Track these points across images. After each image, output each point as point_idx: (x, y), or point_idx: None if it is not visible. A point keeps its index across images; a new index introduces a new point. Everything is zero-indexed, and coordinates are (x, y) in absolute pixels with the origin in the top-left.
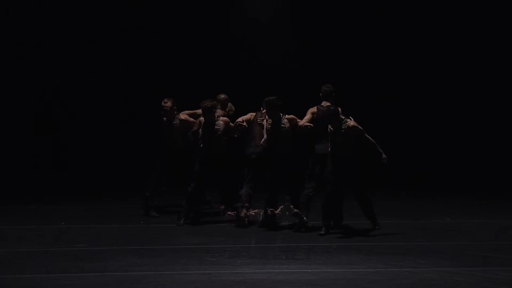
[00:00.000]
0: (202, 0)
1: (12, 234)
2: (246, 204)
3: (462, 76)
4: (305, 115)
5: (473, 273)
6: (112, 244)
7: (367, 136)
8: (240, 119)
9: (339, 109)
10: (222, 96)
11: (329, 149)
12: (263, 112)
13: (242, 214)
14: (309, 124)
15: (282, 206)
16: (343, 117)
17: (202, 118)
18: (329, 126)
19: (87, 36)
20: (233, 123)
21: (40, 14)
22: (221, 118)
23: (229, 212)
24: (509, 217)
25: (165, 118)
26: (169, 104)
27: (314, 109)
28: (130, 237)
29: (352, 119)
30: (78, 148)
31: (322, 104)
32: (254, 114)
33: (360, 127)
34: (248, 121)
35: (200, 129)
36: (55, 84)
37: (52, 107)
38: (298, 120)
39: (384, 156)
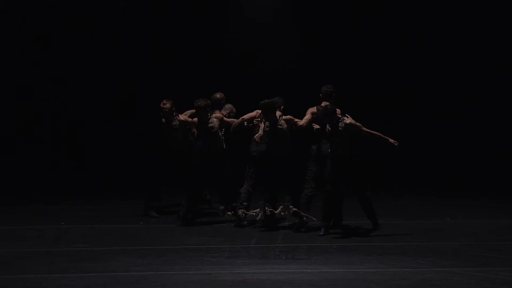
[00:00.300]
0: (201, 1)
1: (12, 234)
2: (245, 203)
3: (463, 76)
4: (304, 115)
5: (473, 273)
6: (112, 244)
7: (366, 129)
8: (245, 116)
9: (338, 110)
10: (218, 95)
11: (329, 149)
12: None
13: (240, 213)
14: (316, 125)
15: (282, 206)
16: (340, 116)
17: (195, 119)
18: (327, 126)
19: (88, 36)
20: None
21: (41, 13)
22: (214, 115)
23: (228, 212)
24: (510, 217)
25: (164, 120)
26: (168, 105)
27: (314, 109)
28: (130, 237)
29: (349, 117)
30: (78, 148)
31: (322, 104)
32: (260, 111)
33: (357, 123)
34: (253, 118)
35: (195, 129)
36: (56, 84)
37: (52, 108)
38: (297, 120)
39: (391, 140)
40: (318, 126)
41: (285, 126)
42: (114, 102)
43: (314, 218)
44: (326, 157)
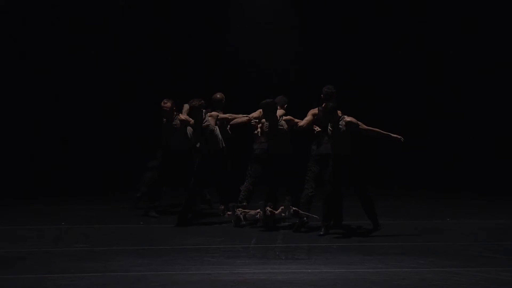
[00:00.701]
0: (202, 1)
1: (12, 234)
2: (244, 203)
3: (463, 76)
4: (305, 116)
5: (473, 273)
6: (112, 244)
7: (366, 126)
8: (250, 115)
9: (339, 111)
10: (219, 95)
11: (329, 149)
12: None
13: (238, 213)
14: (316, 127)
15: (282, 207)
16: (340, 115)
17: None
18: (329, 125)
19: (88, 36)
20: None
21: (41, 13)
22: (209, 113)
23: (228, 212)
24: (509, 217)
25: (164, 119)
26: (168, 104)
27: (315, 110)
28: (130, 237)
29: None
30: (78, 148)
31: (323, 105)
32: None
33: (358, 121)
34: (257, 118)
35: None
36: (55, 84)
37: (52, 108)
38: (297, 120)
39: (394, 135)
40: (319, 128)
41: (285, 126)
42: (114, 102)
43: (316, 216)
44: (327, 157)
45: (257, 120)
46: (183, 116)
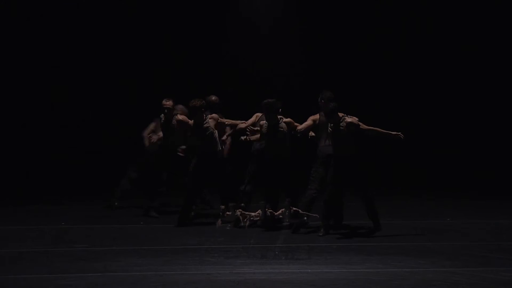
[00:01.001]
0: (201, 4)
1: (12, 234)
2: (243, 204)
3: (461, 76)
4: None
5: (473, 273)
6: (112, 244)
7: (366, 126)
8: (248, 122)
9: (341, 114)
10: (213, 97)
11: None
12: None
13: (237, 213)
14: (312, 133)
15: (283, 209)
16: (342, 115)
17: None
18: (329, 126)
19: (87, 36)
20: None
21: (41, 13)
22: (209, 115)
23: (228, 212)
24: (509, 217)
25: (163, 119)
26: (170, 103)
27: (316, 116)
28: (130, 237)
29: (351, 117)
30: (78, 148)
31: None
32: (259, 115)
33: (358, 122)
34: (253, 123)
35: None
36: (55, 84)
37: (52, 108)
38: (297, 124)
39: (394, 133)
40: (313, 134)
41: (285, 128)
42: (114, 102)
43: (316, 215)
44: (330, 158)
45: (243, 138)
46: (181, 116)
